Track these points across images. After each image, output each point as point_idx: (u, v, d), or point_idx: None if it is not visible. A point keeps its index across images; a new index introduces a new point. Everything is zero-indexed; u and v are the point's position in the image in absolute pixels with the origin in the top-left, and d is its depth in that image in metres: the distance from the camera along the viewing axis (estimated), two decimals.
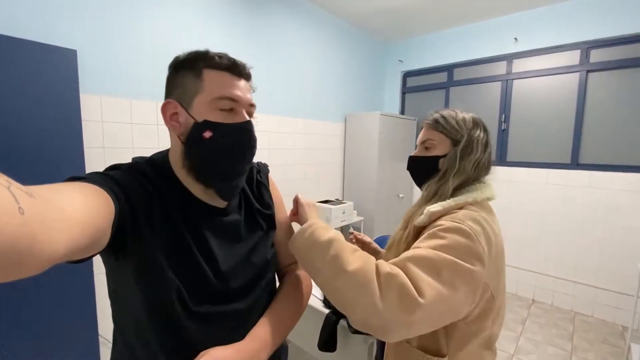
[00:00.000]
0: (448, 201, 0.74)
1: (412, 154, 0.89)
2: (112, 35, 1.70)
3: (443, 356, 0.71)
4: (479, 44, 3.24)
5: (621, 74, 2.62)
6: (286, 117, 2.77)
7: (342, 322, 1.28)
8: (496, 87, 3.24)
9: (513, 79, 3.12)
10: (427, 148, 0.84)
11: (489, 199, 0.78)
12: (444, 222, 0.69)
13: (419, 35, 3.67)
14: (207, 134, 0.56)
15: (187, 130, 0.57)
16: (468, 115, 0.84)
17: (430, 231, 0.69)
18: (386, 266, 0.61)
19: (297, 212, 0.78)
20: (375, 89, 3.90)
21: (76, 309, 1.48)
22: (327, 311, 1.34)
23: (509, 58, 3.12)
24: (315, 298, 1.45)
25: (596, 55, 2.72)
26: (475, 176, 0.79)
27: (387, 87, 4.03)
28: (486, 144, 0.83)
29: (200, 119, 0.57)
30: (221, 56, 0.58)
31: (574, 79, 2.81)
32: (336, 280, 0.61)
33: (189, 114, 0.57)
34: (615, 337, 2.46)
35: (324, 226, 0.69)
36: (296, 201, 0.79)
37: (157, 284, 0.54)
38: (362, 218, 3.20)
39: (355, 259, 0.62)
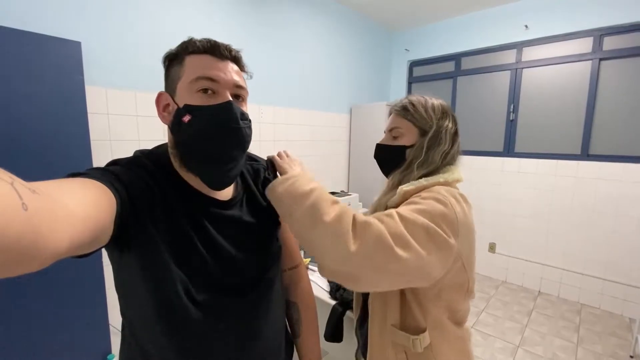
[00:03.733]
0: (420, 180, 0.75)
1: (379, 142, 0.86)
2: (117, 27, 1.69)
3: (423, 331, 0.73)
4: (488, 31, 3.17)
5: (635, 62, 2.54)
6: (291, 109, 2.75)
7: (349, 313, 1.28)
8: (505, 77, 3.17)
9: (522, 68, 3.05)
10: (394, 137, 0.82)
11: (457, 180, 0.79)
12: (421, 193, 0.71)
13: (426, 24, 3.59)
14: (186, 118, 0.55)
15: (172, 118, 0.58)
16: (437, 102, 0.81)
17: (409, 201, 0.71)
18: (363, 217, 0.61)
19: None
20: (381, 79, 3.85)
21: (86, 299, 1.50)
22: (333, 303, 1.34)
23: (519, 46, 3.05)
24: (322, 289, 1.45)
25: (609, 43, 2.64)
26: (444, 165, 0.79)
27: (393, 77, 3.97)
28: (454, 135, 0.81)
29: (181, 104, 0.56)
30: (202, 40, 0.57)
31: (585, 67, 2.74)
32: (312, 230, 0.60)
33: (174, 101, 0.58)
34: (622, 329, 2.45)
35: (309, 177, 0.68)
36: (271, 162, 0.74)
37: (162, 276, 0.54)
38: (367, 210, 3.18)
39: (334, 209, 0.61)
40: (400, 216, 0.63)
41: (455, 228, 0.65)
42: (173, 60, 0.59)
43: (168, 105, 0.59)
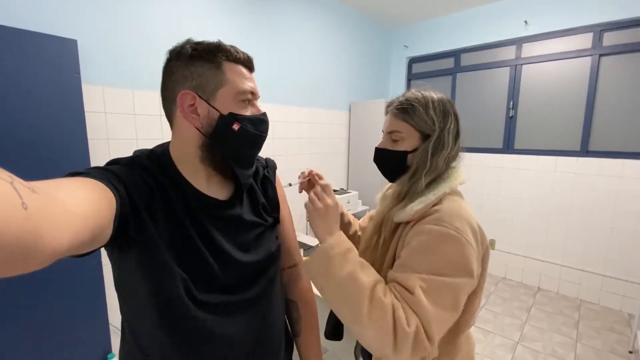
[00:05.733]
0: (428, 196, 0.72)
1: (378, 146, 0.82)
2: (113, 24, 1.67)
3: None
4: (488, 27, 3.15)
5: (635, 57, 2.54)
6: (290, 106, 2.74)
7: None
8: (504, 73, 3.16)
9: (522, 64, 3.04)
10: (394, 140, 0.78)
11: (460, 184, 0.77)
12: (432, 227, 0.67)
13: (425, 20, 3.57)
14: (236, 126, 0.59)
15: (212, 123, 0.58)
16: (437, 98, 0.77)
17: (420, 242, 0.67)
18: (403, 319, 0.59)
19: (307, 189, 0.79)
20: (380, 76, 3.84)
21: (86, 299, 1.50)
22: None
23: (519, 42, 3.04)
24: None
25: (609, 39, 2.63)
26: (447, 167, 0.77)
27: (392, 74, 3.96)
28: (457, 134, 0.78)
29: (225, 111, 0.58)
30: (237, 50, 0.60)
31: (585, 63, 2.73)
32: (352, 324, 0.62)
33: (211, 106, 0.57)
34: (621, 325, 2.46)
35: (341, 252, 0.66)
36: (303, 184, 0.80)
37: (162, 275, 0.54)
38: (367, 207, 3.19)
39: (372, 305, 0.60)
40: (425, 292, 0.61)
41: (478, 257, 0.67)
42: (203, 61, 0.56)
43: (193, 105, 0.57)
